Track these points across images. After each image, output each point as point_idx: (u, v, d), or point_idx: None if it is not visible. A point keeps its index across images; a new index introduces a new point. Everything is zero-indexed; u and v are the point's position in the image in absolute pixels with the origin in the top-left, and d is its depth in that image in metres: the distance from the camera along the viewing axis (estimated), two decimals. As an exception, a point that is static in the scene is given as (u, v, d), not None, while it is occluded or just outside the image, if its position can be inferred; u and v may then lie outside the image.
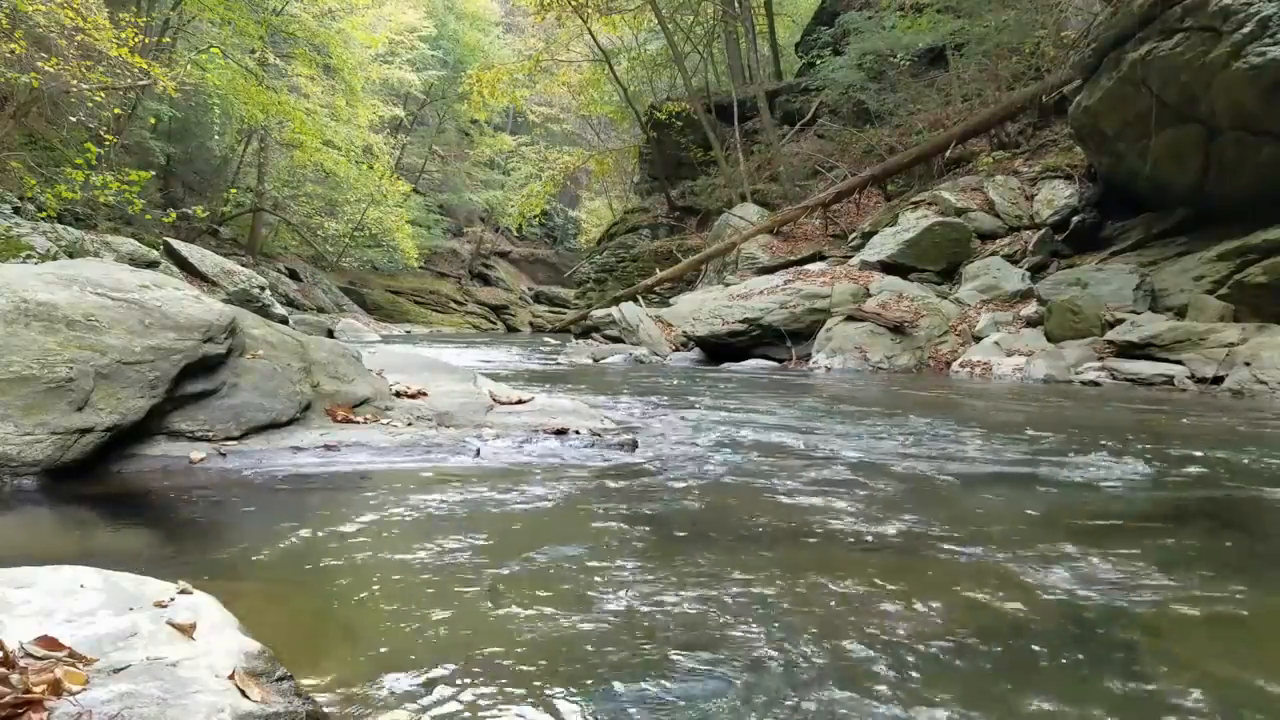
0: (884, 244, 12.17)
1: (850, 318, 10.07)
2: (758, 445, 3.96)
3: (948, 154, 14.43)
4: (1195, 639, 1.72)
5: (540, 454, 3.46)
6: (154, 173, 16.07)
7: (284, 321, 11.08)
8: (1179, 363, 7.42)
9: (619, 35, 24.63)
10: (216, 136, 23.95)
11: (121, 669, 1.15)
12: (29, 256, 9.84)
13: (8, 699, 1.02)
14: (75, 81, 11.03)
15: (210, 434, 3.13)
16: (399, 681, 1.40)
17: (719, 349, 10.62)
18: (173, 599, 1.40)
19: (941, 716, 1.32)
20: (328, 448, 3.22)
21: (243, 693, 1.14)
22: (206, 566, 1.97)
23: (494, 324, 32.40)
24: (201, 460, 2.98)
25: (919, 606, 1.80)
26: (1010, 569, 2.07)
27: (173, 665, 1.17)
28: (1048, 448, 3.96)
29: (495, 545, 2.20)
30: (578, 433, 3.81)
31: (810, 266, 12.70)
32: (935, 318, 10.11)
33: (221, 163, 25.72)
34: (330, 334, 14.53)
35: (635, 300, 14.66)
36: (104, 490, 2.70)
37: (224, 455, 3.05)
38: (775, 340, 10.47)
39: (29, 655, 1.13)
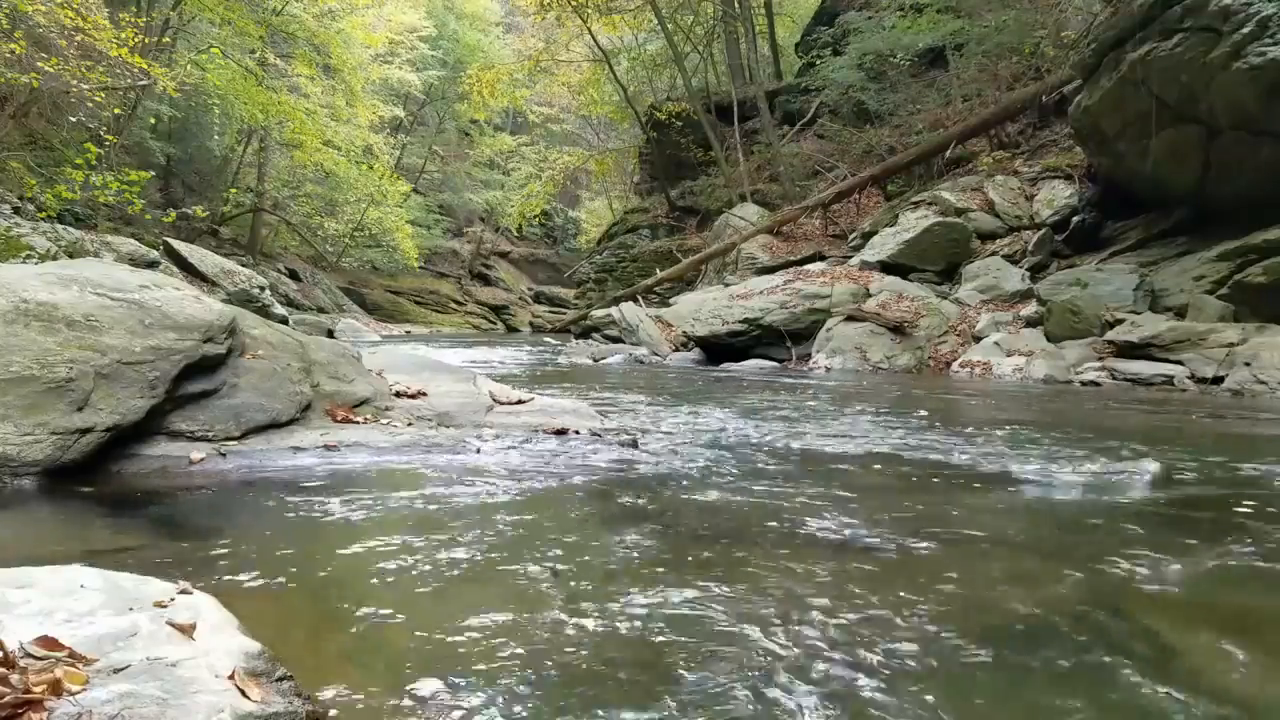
0: (884, 244, 12.17)
1: (850, 318, 10.07)
2: (758, 446, 3.96)
3: (948, 154, 14.43)
4: (1198, 635, 1.72)
5: (540, 454, 3.45)
6: (154, 173, 16.06)
7: (284, 321, 11.07)
8: (1179, 363, 7.41)
9: (619, 35, 24.61)
10: (216, 136, 23.95)
11: (121, 669, 1.15)
12: (29, 256, 9.82)
13: (8, 699, 1.02)
14: (75, 81, 11.01)
15: (210, 434, 3.13)
16: (399, 682, 1.40)
17: (719, 349, 10.61)
18: (173, 599, 1.40)
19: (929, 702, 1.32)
20: (328, 448, 3.22)
21: (243, 693, 1.14)
22: (206, 566, 1.97)
23: (494, 324, 32.40)
24: (201, 460, 2.98)
25: (919, 607, 1.80)
26: (1007, 566, 2.07)
27: (173, 665, 1.17)
28: (1046, 447, 3.95)
29: (495, 546, 2.20)
30: (578, 433, 3.81)
31: (810, 266, 12.69)
32: (935, 318, 10.11)
33: (221, 163, 25.71)
34: (330, 334, 14.53)
35: (635, 300, 14.66)
36: (104, 490, 2.70)
37: (224, 455, 3.05)
38: (775, 340, 10.47)
39: (29, 655, 1.13)
